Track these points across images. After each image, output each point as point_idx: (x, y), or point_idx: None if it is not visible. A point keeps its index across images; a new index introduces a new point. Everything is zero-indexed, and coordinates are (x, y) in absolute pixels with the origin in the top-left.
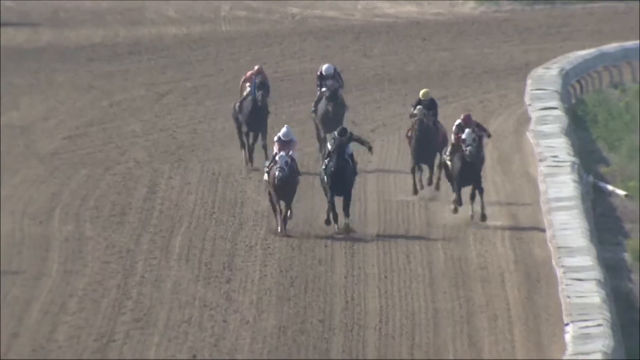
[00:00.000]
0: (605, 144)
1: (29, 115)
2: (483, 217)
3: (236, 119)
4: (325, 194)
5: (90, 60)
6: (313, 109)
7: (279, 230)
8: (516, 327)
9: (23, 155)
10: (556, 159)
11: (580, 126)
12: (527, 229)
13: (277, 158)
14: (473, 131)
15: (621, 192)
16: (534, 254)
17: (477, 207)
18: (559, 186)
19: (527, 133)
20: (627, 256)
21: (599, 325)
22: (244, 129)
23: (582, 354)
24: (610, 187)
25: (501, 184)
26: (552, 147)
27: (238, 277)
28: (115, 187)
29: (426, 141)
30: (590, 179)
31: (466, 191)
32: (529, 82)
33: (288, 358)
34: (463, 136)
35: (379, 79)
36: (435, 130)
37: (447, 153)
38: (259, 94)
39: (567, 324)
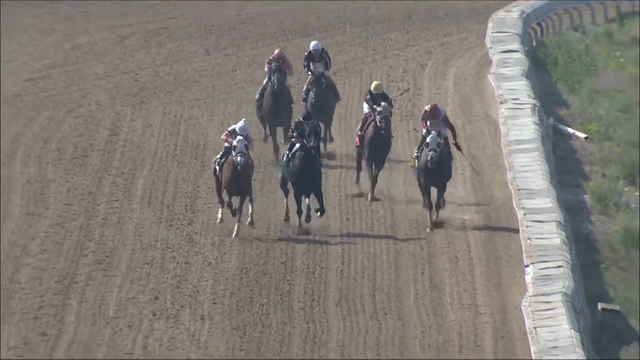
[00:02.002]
0: (565, 87)
1: None
2: (437, 225)
3: (259, 110)
4: (285, 192)
5: (52, 3)
6: (304, 97)
7: (234, 233)
8: (477, 268)
9: None
10: (517, 102)
11: (540, 69)
12: (487, 171)
13: (234, 143)
14: (439, 134)
15: (581, 135)
16: (495, 196)
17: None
18: (519, 128)
19: (488, 76)
20: (587, 198)
21: (559, 266)
22: (267, 121)
23: (542, 295)
24: (570, 130)
25: (462, 126)
26: (513, 89)
27: (200, 219)
28: (77, 129)
29: (386, 140)
30: (551, 121)
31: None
32: (490, 25)
33: (250, 299)
34: (427, 139)
35: (340, 21)
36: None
37: (416, 148)
38: (274, 78)
39: (527, 266)
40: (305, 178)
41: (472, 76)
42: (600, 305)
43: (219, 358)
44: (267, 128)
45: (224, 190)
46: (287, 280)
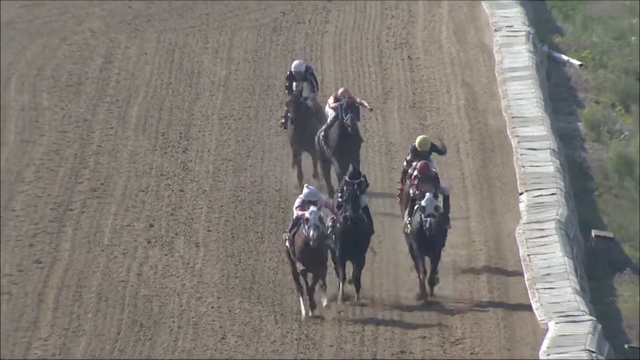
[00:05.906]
0: (559, 14)
1: None
2: (431, 304)
3: (322, 152)
4: (333, 260)
5: None
6: (282, 122)
7: (309, 313)
8: (471, 196)
9: None
10: (511, 29)
11: None
12: (482, 99)
13: (307, 215)
14: (435, 195)
15: (575, 62)
16: (489, 123)
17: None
18: (513, 56)
19: (483, 3)
20: (581, 125)
21: (552, 194)
22: (332, 161)
23: (536, 222)
24: (564, 57)
25: (456, 54)
26: (507, 16)
27: (194, 146)
28: (71, 57)
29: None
30: (545, 48)
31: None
32: None
33: (245, 227)
34: (422, 203)
35: None
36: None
37: (406, 213)
38: (347, 118)
39: (521, 193)
40: (349, 247)
41: (466, 3)
42: (593, 233)
43: (214, 285)
44: (328, 165)
45: (298, 264)
46: (282, 208)
